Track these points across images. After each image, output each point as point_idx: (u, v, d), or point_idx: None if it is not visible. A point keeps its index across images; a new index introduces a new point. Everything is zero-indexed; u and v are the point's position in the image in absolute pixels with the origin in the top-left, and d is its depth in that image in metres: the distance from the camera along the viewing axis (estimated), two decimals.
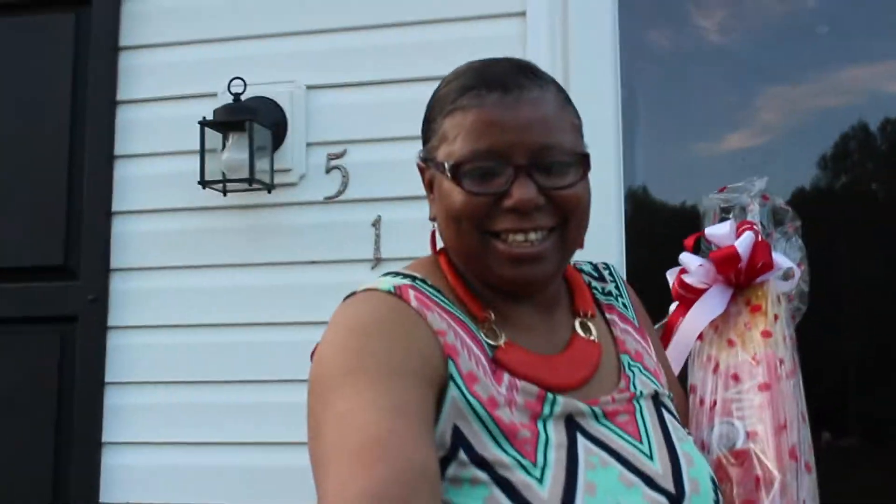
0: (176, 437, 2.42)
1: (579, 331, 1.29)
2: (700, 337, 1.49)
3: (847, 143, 3.11)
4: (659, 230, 3.09)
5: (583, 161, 1.22)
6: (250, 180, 2.28)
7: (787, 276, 1.50)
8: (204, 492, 2.38)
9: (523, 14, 2.36)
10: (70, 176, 2.59)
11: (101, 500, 2.45)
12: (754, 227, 1.49)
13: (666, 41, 2.89)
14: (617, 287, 1.41)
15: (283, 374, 2.31)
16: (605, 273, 1.42)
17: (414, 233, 2.01)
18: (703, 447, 1.36)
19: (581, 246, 1.27)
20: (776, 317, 1.45)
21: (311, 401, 1.12)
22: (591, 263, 1.43)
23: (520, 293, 1.25)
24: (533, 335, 1.25)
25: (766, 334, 1.43)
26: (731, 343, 1.46)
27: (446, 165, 1.20)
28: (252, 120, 2.28)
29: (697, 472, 1.21)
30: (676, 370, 1.48)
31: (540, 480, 1.10)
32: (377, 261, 2.31)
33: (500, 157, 1.18)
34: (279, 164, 2.39)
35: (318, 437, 1.07)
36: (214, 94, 2.44)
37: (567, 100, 1.26)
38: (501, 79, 1.21)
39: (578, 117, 1.27)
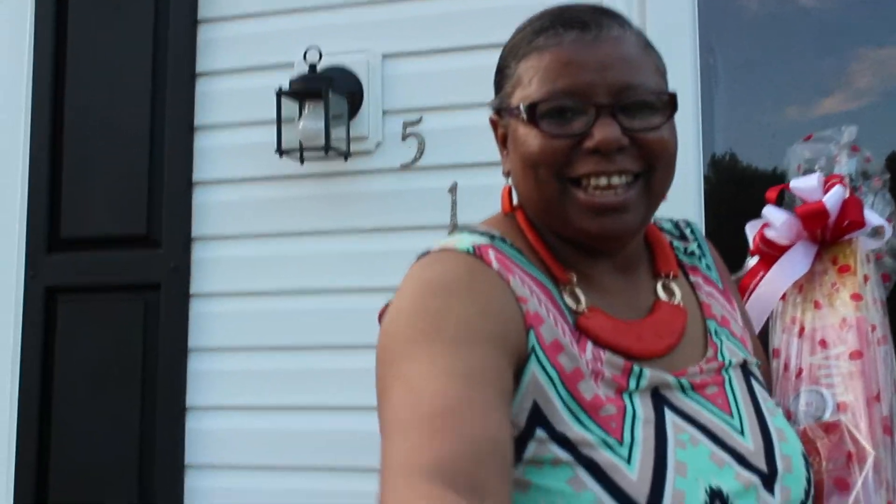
0: (256, 401, 2.47)
1: (662, 294, 1.20)
2: (783, 297, 1.38)
3: None
4: (742, 196, 3.06)
5: (669, 103, 1.13)
6: (326, 148, 2.31)
7: (876, 232, 1.38)
8: (283, 454, 2.43)
9: None
10: (152, 147, 2.64)
11: (185, 462, 2.51)
12: (843, 180, 1.39)
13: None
14: (699, 247, 1.31)
15: (359, 340, 2.33)
16: (687, 231, 1.32)
17: (490, 199, 2.00)
18: (788, 416, 1.27)
19: (665, 198, 1.17)
20: (866, 277, 1.35)
21: (379, 365, 1.06)
22: (671, 221, 1.33)
23: (601, 249, 1.16)
24: (614, 299, 1.16)
25: (857, 297, 1.33)
26: (817, 305, 1.35)
27: (522, 107, 1.12)
28: (328, 88, 2.31)
29: (790, 449, 1.14)
30: (756, 331, 1.38)
31: (628, 461, 1.02)
32: (454, 227, 2.33)
33: (580, 97, 1.10)
34: (355, 132, 2.42)
35: (387, 402, 1.00)
36: (291, 65, 2.47)
37: (649, 43, 1.17)
38: (580, 17, 1.13)
39: (662, 61, 1.18)
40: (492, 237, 1.13)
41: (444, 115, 2.40)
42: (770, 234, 1.40)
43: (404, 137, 2.43)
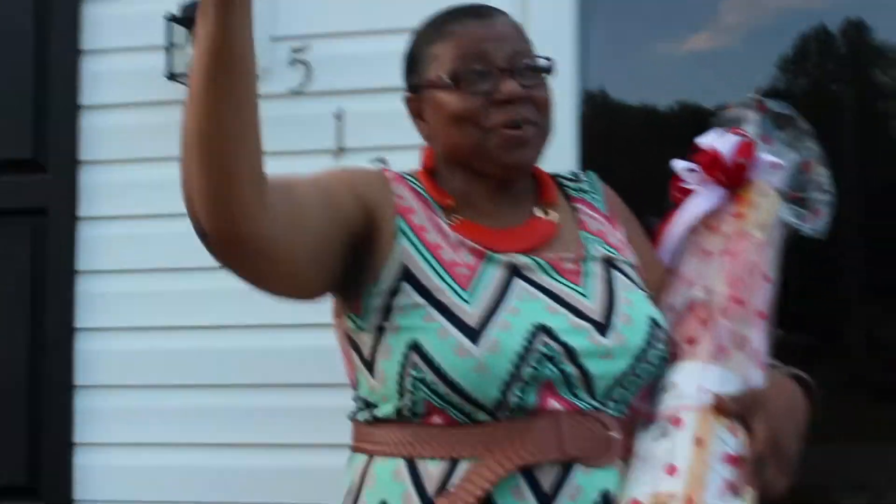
0: (149, 322, 2.52)
1: (538, 213, 1.54)
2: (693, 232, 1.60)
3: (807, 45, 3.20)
4: (618, 131, 3.20)
5: (547, 67, 1.52)
6: None
7: (775, 169, 1.60)
8: (172, 373, 2.50)
9: None
10: (37, 71, 2.63)
11: (74, 382, 2.55)
12: (737, 131, 1.61)
13: None
14: (591, 186, 1.64)
15: None
16: (582, 176, 1.67)
17: (375, 123, 2.09)
18: (669, 311, 1.52)
19: (548, 140, 1.54)
20: (754, 203, 1.56)
21: None
22: (572, 171, 1.70)
23: (509, 175, 1.51)
24: (491, 219, 1.50)
25: (739, 216, 1.56)
26: (713, 229, 1.57)
27: (443, 76, 1.48)
28: None
29: (633, 310, 1.44)
30: (670, 260, 1.61)
31: (468, 301, 1.37)
32: (340, 150, 2.40)
33: (487, 63, 1.47)
34: None
35: None
36: None
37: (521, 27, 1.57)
38: (476, 9, 1.54)
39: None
40: (403, 173, 1.53)
41: (331, 42, 2.46)
42: (682, 183, 1.64)
43: (291, 62, 2.48)
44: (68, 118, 2.60)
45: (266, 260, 1.30)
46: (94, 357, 2.56)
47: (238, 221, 1.23)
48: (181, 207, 2.43)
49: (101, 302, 2.57)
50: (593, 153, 2.56)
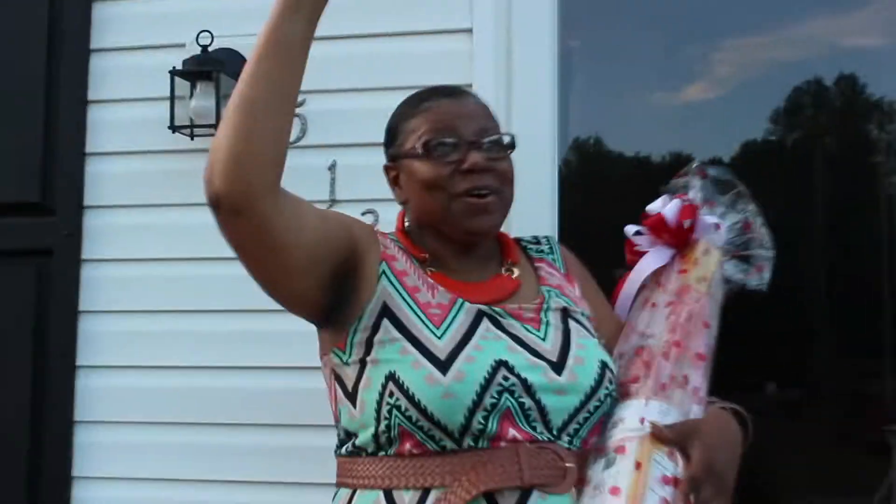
0: (147, 361, 2.63)
1: (502, 271, 1.74)
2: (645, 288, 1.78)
3: (801, 98, 3.31)
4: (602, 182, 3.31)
5: (511, 144, 1.72)
6: (216, 125, 2.47)
7: (717, 229, 1.78)
8: (171, 411, 2.60)
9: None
10: (46, 119, 2.74)
11: (75, 418, 2.65)
12: (682, 197, 1.79)
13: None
14: (551, 249, 1.85)
15: (243, 303, 2.48)
16: (543, 240, 1.87)
17: (366, 176, 2.22)
18: (620, 357, 1.71)
19: (509, 208, 1.74)
20: (696, 261, 1.74)
21: None
22: (534, 236, 1.88)
23: (472, 240, 1.70)
24: (462, 275, 1.69)
25: (683, 272, 1.73)
26: (661, 285, 1.75)
27: (418, 147, 1.67)
28: (219, 70, 2.48)
29: (586, 354, 1.63)
30: (623, 314, 1.81)
31: (439, 337, 1.55)
32: (332, 202, 2.52)
33: (456, 136, 1.66)
34: None
35: None
36: (183, 45, 2.60)
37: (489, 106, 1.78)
38: (448, 89, 1.76)
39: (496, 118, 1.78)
40: (386, 234, 1.73)
41: (325, 97, 2.57)
42: (635, 246, 1.83)
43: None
44: (75, 164, 2.72)
45: (264, 243, 1.49)
46: (93, 393, 2.67)
47: (251, 191, 1.43)
48: (180, 252, 2.58)
49: (101, 341, 2.68)
50: (573, 204, 2.69)
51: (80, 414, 2.66)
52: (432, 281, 1.65)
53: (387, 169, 1.78)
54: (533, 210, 2.43)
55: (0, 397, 2.70)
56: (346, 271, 1.60)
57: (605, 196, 3.23)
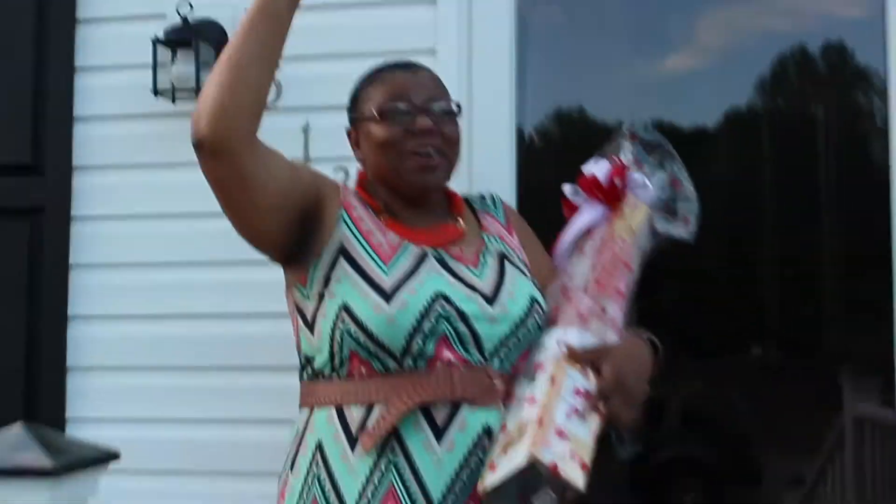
0: (134, 311, 2.83)
1: (449, 220, 1.95)
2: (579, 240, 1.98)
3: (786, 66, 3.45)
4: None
5: (458, 111, 1.94)
6: (196, 90, 2.66)
7: (645, 186, 1.98)
8: (157, 356, 2.80)
9: None
10: (36, 85, 2.92)
11: (68, 364, 2.85)
12: (613, 158, 2.00)
13: None
14: (494, 204, 2.08)
15: (224, 255, 2.67)
16: (487, 196, 2.10)
17: (337, 137, 2.40)
18: (550, 295, 1.91)
19: (456, 166, 1.95)
20: (625, 214, 1.95)
21: None
22: (480, 193, 2.11)
23: (420, 193, 1.91)
24: (412, 223, 1.90)
25: (611, 224, 1.95)
26: (592, 235, 1.96)
27: (373, 111, 1.88)
28: (198, 39, 2.66)
29: (517, 290, 1.87)
30: (559, 263, 1.99)
31: (387, 273, 1.79)
32: (307, 161, 2.71)
33: (408, 102, 1.88)
34: None
35: None
36: (164, 15, 2.76)
37: (441, 80, 1.98)
38: (403, 63, 1.98)
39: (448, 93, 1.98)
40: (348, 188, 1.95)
41: (297, 63, 2.73)
42: (571, 201, 2.03)
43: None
44: (64, 128, 2.90)
45: (240, 181, 1.72)
46: (84, 342, 2.86)
47: (232, 135, 1.68)
48: (165, 208, 2.76)
49: (91, 292, 2.87)
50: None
51: (72, 361, 2.86)
52: (385, 227, 1.86)
53: (348, 132, 2.00)
54: (493, 173, 2.65)
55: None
56: (310, 215, 1.82)
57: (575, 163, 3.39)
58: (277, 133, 2.69)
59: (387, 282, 1.77)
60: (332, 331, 1.79)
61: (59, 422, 2.83)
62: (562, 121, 3.41)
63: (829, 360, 3.31)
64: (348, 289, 1.78)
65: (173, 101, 2.74)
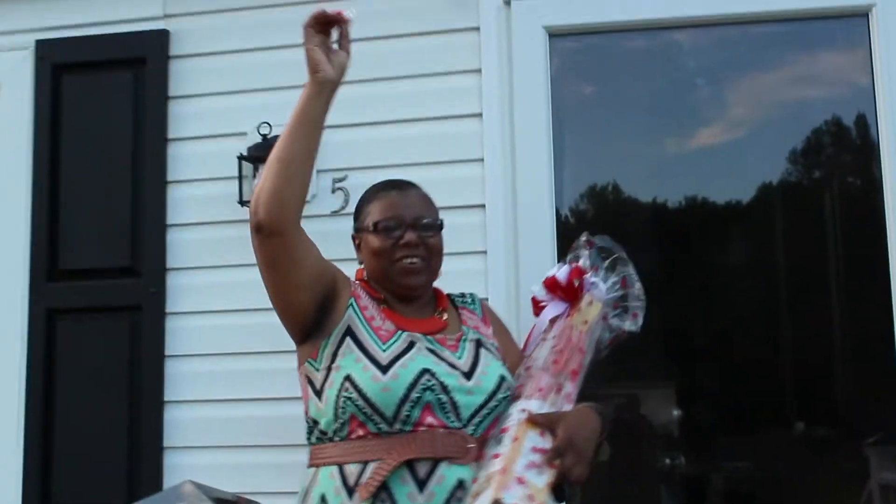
0: (221, 396, 3.17)
1: (435, 314, 2.32)
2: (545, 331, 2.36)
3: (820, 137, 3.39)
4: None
5: (441, 225, 2.31)
6: None
7: (596, 287, 2.36)
8: (246, 436, 3.12)
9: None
10: (133, 197, 3.30)
11: (164, 445, 3.18)
12: (573, 263, 2.39)
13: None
14: (473, 301, 2.43)
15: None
16: (468, 295, 2.45)
17: None
18: (518, 376, 2.28)
19: (439, 273, 2.34)
20: (581, 309, 2.33)
21: None
22: (461, 293, 2.44)
23: (408, 295, 2.28)
24: (406, 314, 2.26)
25: (570, 317, 2.34)
26: (553, 327, 2.34)
27: (370, 224, 2.26)
28: None
29: (490, 369, 2.24)
30: (532, 352, 2.34)
31: (384, 351, 2.16)
32: None
33: (398, 220, 2.26)
34: None
35: None
36: (245, 133, 3.15)
37: (429, 197, 2.37)
38: (397, 183, 2.37)
39: (435, 206, 2.36)
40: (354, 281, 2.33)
41: (363, 172, 3.09)
42: (540, 301, 2.43)
43: (333, 191, 3.14)
44: (158, 234, 3.28)
45: (287, 259, 2.10)
46: (178, 424, 3.21)
47: (284, 217, 2.06)
48: (248, 304, 3.13)
49: (184, 380, 3.22)
50: None
51: (167, 441, 3.20)
52: (384, 315, 2.23)
53: (353, 238, 2.37)
54: (537, 253, 3.00)
55: (103, 429, 3.24)
56: (329, 297, 2.20)
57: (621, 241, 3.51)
58: (345, 236, 3.08)
59: (384, 358, 2.13)
60: (337, 398, 2.13)
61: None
62: (595, 199, 3.49)
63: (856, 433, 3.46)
64: (352, 362, 2.14)
65: None
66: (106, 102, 3.39)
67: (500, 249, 3.06)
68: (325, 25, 2.08)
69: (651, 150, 3.41)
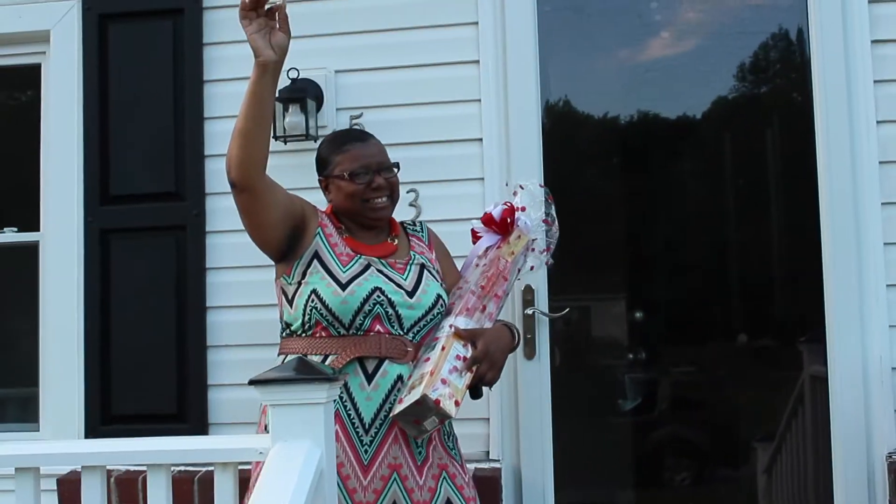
0: (256, 301, 3.63)
1: (388, 240, 2.71)
2: (480, 256, 2.76)
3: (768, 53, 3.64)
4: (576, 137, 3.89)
5: (398, 166, 2.69)
6: (305, 136, 3.52)
7: (526, 223, 2.75)
8: (273, 335, 3.48)
9: None
10: (175, 131, 3.75)
11: (207, 344, 3.69)
12: (507, 203, 2.77)
13: None
14: (422, 229, 2.81)
15: None
16: (417, 223, 2.84)
17: (406, 164, 3.21)
18: (451, 295, 2.71)
19: (396, 204, 2.74)
20: (510, 242, 2.74)
21: None
22: (411, 220, 2.88)
23: (375, 225, 2.67)
24: (363, 241, 2.66)
25: (499, 248, 2.74)
26: (486, 255, 2.75)
27: (345, 174, 2.62)
28: (304, 97, 3.50)
29: (430, 288, 2.66)
30: (463, 273, 2.78)
31: (344, 272, 2.57)
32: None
33: (367, 167, 2.63)
34: (320, 123, 3.60)
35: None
36: None
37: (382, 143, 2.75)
38: (356, 135, 2.78)
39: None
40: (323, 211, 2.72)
41: (377, 110, 3.59)
42: (477, 232, 2.82)
43: (351, 126, 3.57)
44: (198, 163, 3.75)
45: (259, 206, 2.48)
46: (219, 326, 3.71)
47: (251, 175, 2.44)
48: None
49: (223, 288, 3.72)
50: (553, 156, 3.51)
51: (210, 341, 3.71)
52: (345, 242, 2.62)
53: (320, 182, 2.73)
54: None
55: (154, 332, 3.73)
56: (298, 228, 2.57)
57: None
58: None
59: (344, 277, 2.55)
60: (305, 306, 2.56)
61: (201, 387, 3.68)
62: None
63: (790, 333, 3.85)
64: (318, 279, 2.55)
65: (285, 142, 3.58)
66: (148, 48, 3.81)
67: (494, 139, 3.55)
68: (258, 10, 2.38)
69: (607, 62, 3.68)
